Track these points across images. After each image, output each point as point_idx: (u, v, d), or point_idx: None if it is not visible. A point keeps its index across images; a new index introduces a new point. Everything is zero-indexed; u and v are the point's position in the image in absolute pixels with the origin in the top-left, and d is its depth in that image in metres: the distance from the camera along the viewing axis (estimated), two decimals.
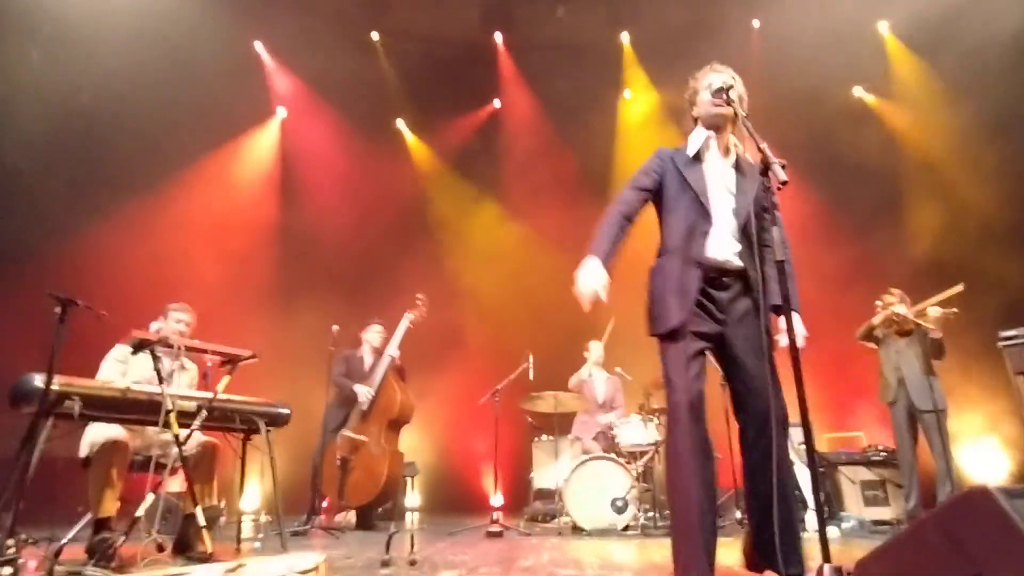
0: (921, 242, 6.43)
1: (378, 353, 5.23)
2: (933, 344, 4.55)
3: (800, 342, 1.98)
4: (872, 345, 4.93)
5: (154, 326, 3.47)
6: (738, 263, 2.16)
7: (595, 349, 5.80)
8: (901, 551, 1.46)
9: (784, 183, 1.76)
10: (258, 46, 7.69)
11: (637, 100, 8.18)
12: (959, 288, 4.41)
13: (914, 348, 4.63)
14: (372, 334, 5.33)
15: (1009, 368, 3.74)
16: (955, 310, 4.44)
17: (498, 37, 7.96)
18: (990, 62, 6.12)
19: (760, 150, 1.83)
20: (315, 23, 7.47)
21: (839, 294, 6.05)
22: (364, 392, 4.96)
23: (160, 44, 6.53)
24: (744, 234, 2.17)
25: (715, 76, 2.25)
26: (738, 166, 2.25)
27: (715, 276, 2.15)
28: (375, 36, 7.81)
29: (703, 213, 2.17)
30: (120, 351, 3.36)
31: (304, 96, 7.89)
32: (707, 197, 2.19)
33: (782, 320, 2.05)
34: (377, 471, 4.77)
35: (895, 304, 4.70)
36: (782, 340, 2.06)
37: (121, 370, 3.30)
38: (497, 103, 8.50)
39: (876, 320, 4.84)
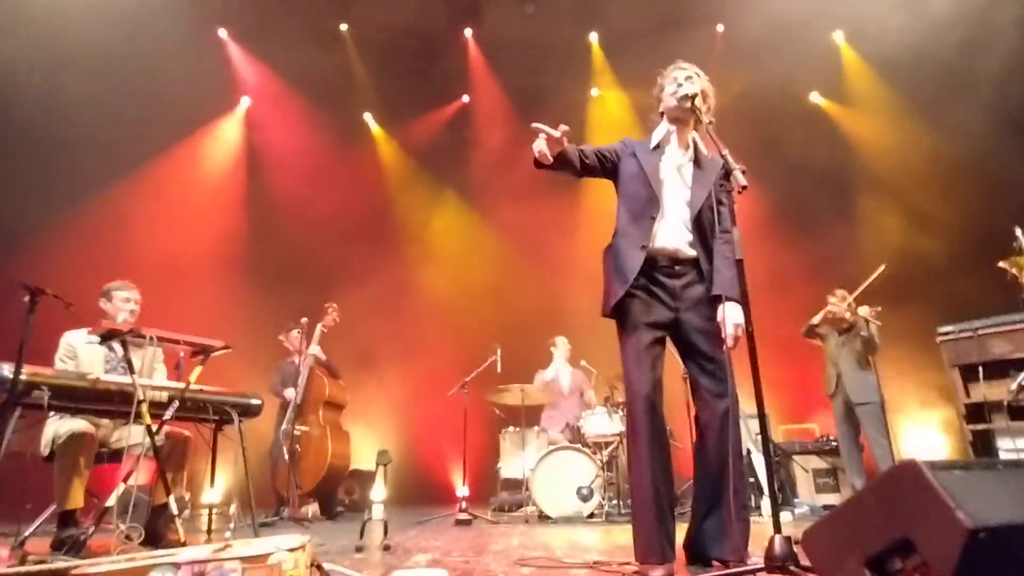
0: (873, 242, 6.76)
1: (301, 353, 5.47)
2: (864, 341, 4.88)
3: (731, 330, 2.08)
4: (817, 342, 5.23)
5: (125, 312, 3.41)
6: (690, 252, 2.25)
7: (561, 344, 5.94)
8: (842, 519, 1.61)
9: (744, 187, 1.88)
10: (222, 33, 7.53)
11: (605, 98, 8.34)
12: (881, 268, 4.84)
13: (851, 344, 4.97)
14: (293, 339, 5.57)
15: (945, 360, 4.03)
16: (879, 308, 4.82)
17: (467, 32, 7.98)
18: (940, 75, 6.45)
19: (722, 156, 1.94)
20: (280, 12, 7.36)
21: (798, 292, 6.33)
22: (291, 393, 5.22)
23: (119, 27, 6.32)
24: (697, 225, 2.26)
25: (680, 73, 2.35)
26: (697, 160, 2.35)
27: (667, 264, 2.23)
28: (343, 27, 7.73)
29: (653, 199, 2.26)
30: (66, 346, 3.27)
31: (269, 86, 7.76)
32: (660, 185, 2.28)
33: (721, 310, 2.13)
34: (322, 448, 5.10)
35: (836, 303, 5.00)
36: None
37: (73, 367, 3.21)
38: (466, 98, 8.54)
39: (815, 319, 5.16)
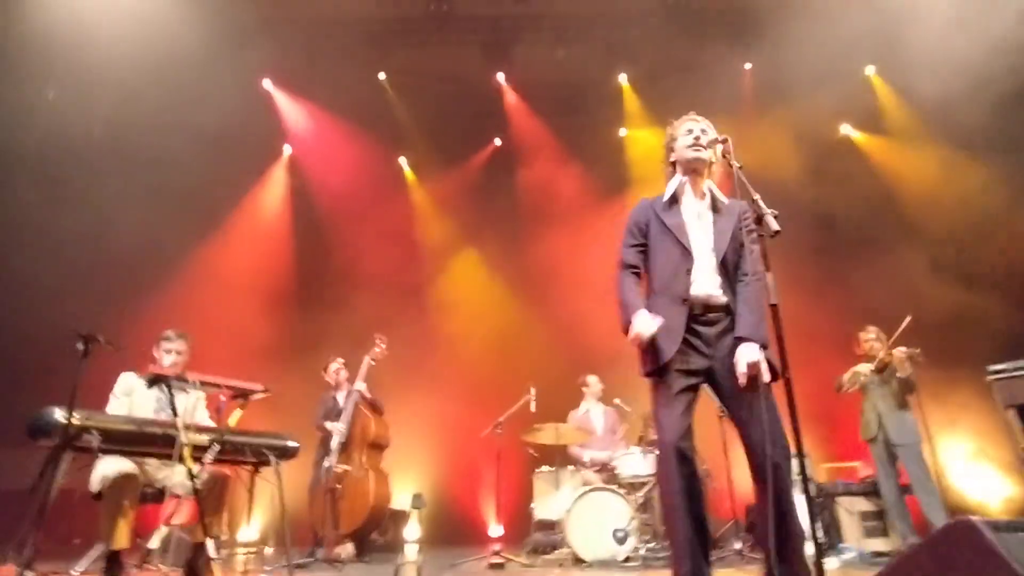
0: (907, 277, 6.58)
1: (349, 383, 5.43)
2: (901, 382, 4.76)
3: (743, 368, 2.10)
4: (854, 391, 5.10)
5: (167, 360, 3.53)
6: (721, 298, 2.26)
7: (593, 383, 5.88)
8: None
9: (776, 232, 1.87)
10: (267, 84, 7.87)
11: (635, 137, 8.42)
12: (907, 320, 4.74)
13: (888, 385, 4.85)
14: (332, 373, 5.54)
15: (998, 401, 3.84)
16: (919, 350, 4.68)
17: (501, 77, 8.17)
18: (974, 107, 6.32)
19: (753, 201, 1.95)
20: (323, 61, 7.69)
21: (835, 326, 6.19)
22: (336, 428, 5.16)
23: (169, 80, 6.69)
24: (723, 270, 2.28)
25: (694, 125, 2.40)
26: (714, 206, 2.38)
27: (700, 312, 2.24)
28: (382, 76, 8.01)
29: (684, 253, 2.28)
30: (123, 384, 3.42)
31: (312, 134, 8.06)
32: (687, 237, 2.30)
33: (742, 350, 2.14)
34: (363, 492, 5.01)
35: (871, 340, 4.93)
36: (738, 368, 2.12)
37: (127, 404, 3.36)
38: (498, 141, 8.72)
39: (844, 377, 5.08)
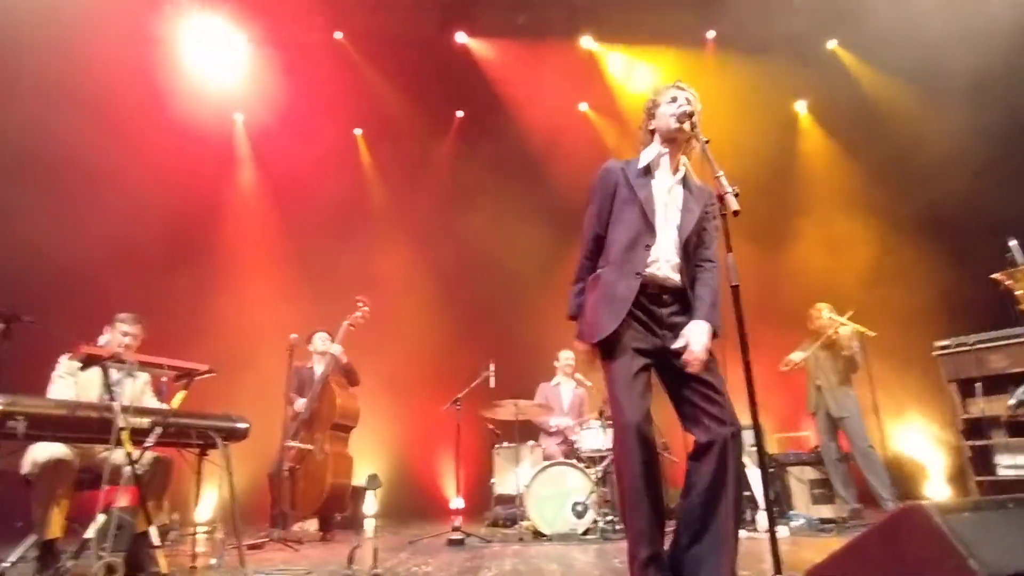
0: (864, 252, 6.75)
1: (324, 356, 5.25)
2: (846, 360, 4.91)
3: (702, 354, 2.07)
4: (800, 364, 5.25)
5: (103, 339, 3.35)
6: (678, 281, 2.21)
7: (563, 358, 5.87)
8: (848, 561, 1.55)
9: (736, 212, 1.82)
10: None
11: (598, 108, 8.33)
12: (849, 313, 5.00)
13: (832, 361, 5.00)
14: (316, 342, 5.35)
15: (943, 375, 4.00)
16: (873, 333, 4.82)
17: (458, 38, 7.91)
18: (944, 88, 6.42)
19: (716, 178, 1.88)
20: (280, 23, 7.28)
21: (786, 297, 6.32)
22: (300, 403, 5.00)
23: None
24: (684, 252, 2.23)
25: (680, 93, 2.29)
26: (686, 183, 2.31)
27: (656, 292, 2.19)
28: (339, 35, 7.65)
29: (648, 227, 2.20)
30: (67, 365, 3.23)
31: (266, 99, 7.66)
32: (653, 212, 2.22)
33: (693, 328, 2.12)
34: (320, 477, 4.83)
35: (823, 318, 5.06)
36: (679, 343, 2.11)
37: (72, 385, 3.17)
38: (460, 113, 8.53)
39: (793, 356, 5.20)
